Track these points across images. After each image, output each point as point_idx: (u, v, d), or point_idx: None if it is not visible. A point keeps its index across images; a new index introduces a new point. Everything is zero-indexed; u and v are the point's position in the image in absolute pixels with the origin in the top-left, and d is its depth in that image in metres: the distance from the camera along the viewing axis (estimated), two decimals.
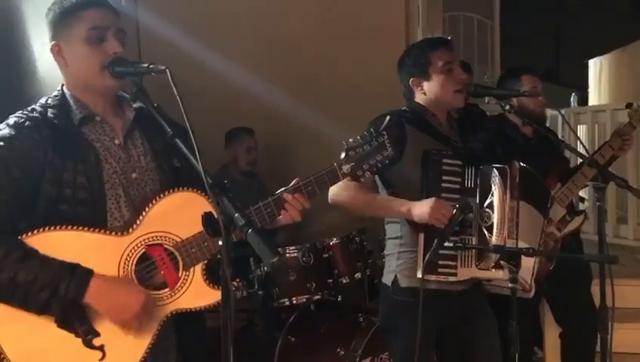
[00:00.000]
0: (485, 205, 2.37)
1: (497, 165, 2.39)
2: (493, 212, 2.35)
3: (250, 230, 1.36)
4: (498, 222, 2.33)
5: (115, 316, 1.68)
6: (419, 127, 2.45)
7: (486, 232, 2.35)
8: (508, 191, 2.35)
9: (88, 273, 1.65)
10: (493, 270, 2.35)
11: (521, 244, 2.35)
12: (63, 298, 1.61)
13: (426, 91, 2.52)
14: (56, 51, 1.78)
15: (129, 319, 1.68)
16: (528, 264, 2.38)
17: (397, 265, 2.50)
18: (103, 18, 1.75)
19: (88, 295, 1.64)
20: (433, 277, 2.35)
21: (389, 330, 2.64)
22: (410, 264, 2.45)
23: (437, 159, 2.38)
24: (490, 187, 2.37)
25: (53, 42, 1.78)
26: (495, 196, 2.35)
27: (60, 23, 1.76)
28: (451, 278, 2.38)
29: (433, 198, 2.31)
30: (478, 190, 2.39)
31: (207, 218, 1.38)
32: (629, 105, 3.20)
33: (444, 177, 2.39)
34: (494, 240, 2.33)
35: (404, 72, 2.57)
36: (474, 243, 2.35)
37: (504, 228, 2.33)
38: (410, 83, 2.55)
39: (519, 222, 2.37)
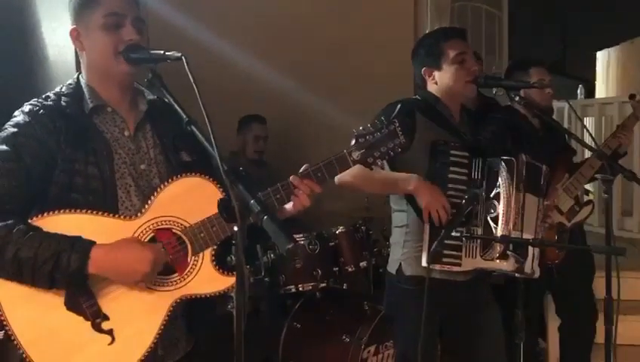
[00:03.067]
0: (491, 196, 2.37)
1: (505, 157, 2.40)
2: (499, 203, 2.36)
3: (265, 216, 1.36)
4: (504, 214, 2.34)
5: (126, 278, 1.67)
6: (429, 117, 2.46)
7: (491, 223, 2.36)
8: (514, 184, 2.37)
9: (89, 243, 1.64)
10: (498, 260, 2.37)
11: (526, 235, 2.37)
12: (66, 270, 1.61)
13: (438, 81, 2.52)
14: (75, 36, 1.79)
15: (142, 279, 1.67)
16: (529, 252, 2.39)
17: (402, 254, 2.52)
18: (120, 5, 1.76)
19: (92, 264, 1.62)
20: (438, 267, 2.37)
21: (393, 318, 2.66)
22: (415, 253, 2.46)
23: (445, 150, 2.39)
24: (497, 179, 2.38)
25: (73, 27, 1.79)
26: (501, 188, 2.36)
27: (80, 8, 1.77)
28: (455, 268, 2.39)
29: (444, 199, 2.33)
30: (484, 181, 2.40)
31: (223, 203, 1.39)
32: (632, 97, 3.20)
33: (452, 168, 2.40)
34: (500, 231, 2.34)
35: (417, 61, 2.57)
36: (479, 233, 2.36)
37: (510, 220, 2.35)
38: (422, 72, 2.55)
39: (525, 214, 2.38)
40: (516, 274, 2.19)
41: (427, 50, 2.53)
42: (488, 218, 2.37)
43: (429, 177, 2.39)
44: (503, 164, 2.39)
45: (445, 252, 2.36)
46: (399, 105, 2.39)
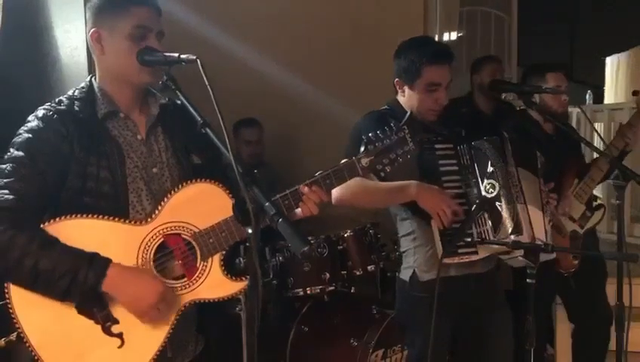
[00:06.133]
0: (487, 177, 2.38)
1: (488, 137, 2.42)
2: (496, 181, 2.37)
3: (280, 219, 1.36)
4: (502, 190, 2.36)
5: (132, 305, 1.69)
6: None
7: (496, 203, 2.36)
8: (504, 159, 2.39)
9: (106, 261, 1.67)
10: (512, 236, 2.33)
11: (531, 207, 2.39)
12: (82, 285, 1.63)
13: (406, 96, 2.52)
14: (95, 38, 1.79)
15: (146, 308, 1.69)
16: (539, 225, 2.41)
17: (414, 261, 2.51)
18: (149, 18, 1.77)
19: (106, 283, 1.65)
20: (456, 259, 2.37)
21: (406, 325, 2.65)
22: (427, 257, 2.46)
23: (430, 146, 2.40)
24: (487, 159, 2.39)
25: (94, 29, 1.78)
26: (494, 166, 2.38)
27: (107, 12, 1.77)
28: (474, 257, 2.39)
29: (447, 197, 2.33)
30: (475, 165, 2.41)
31: (237, 206, 1.39)
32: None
33: (441, 161, 2.41)
34: (504, 205, 2.34)
35: (395, 66, 2.54)
36: (486, 216, 2.35)
37: (511, 192, 2.37)
38: (395, 81, 2.54)
39: (523, 187, 2.41)
40: (528, 280, 2.18)
41: (407, 66, 2.47)
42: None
43: (423, 177, 2.39)
44: (487, 143, 2.41)
45: (459, 244, 2.36)
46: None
